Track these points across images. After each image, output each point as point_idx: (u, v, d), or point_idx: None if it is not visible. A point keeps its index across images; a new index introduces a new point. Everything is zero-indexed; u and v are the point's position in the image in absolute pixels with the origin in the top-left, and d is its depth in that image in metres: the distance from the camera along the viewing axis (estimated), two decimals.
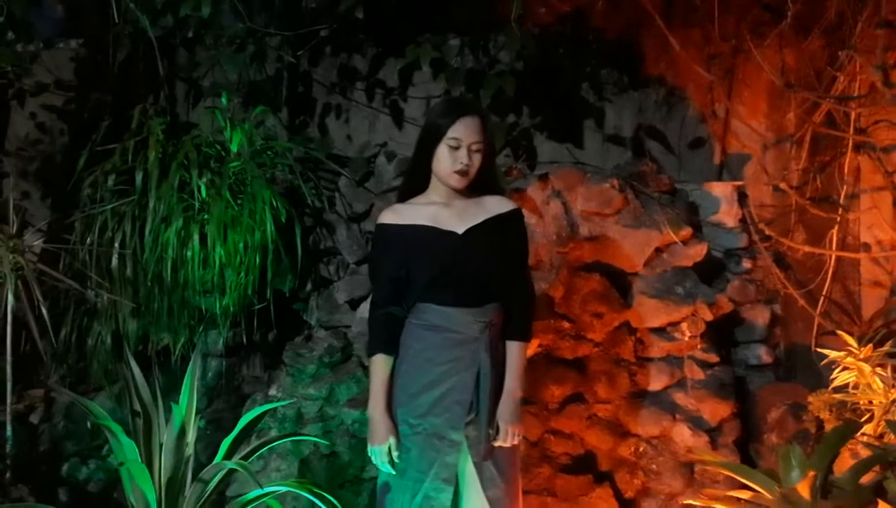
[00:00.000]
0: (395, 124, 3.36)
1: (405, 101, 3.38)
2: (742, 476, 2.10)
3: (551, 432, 2.77)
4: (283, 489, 2.35)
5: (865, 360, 2.03)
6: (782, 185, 3.10)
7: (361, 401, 2.65)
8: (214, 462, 2.33)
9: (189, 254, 2.73)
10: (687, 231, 2.91)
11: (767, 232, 3.10)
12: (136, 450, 2.25)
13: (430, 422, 1.92)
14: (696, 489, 2.67)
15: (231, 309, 2.81)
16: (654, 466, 2.75)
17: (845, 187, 3.02)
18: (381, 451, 1.96)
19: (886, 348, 2.00)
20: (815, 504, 1.82)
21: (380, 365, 1.98)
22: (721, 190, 3.15)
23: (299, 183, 2.95)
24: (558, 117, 3.44)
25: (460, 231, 1.95)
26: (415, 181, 2.03)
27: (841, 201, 3.02)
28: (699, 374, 2.82)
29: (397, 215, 2.00)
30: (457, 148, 1.89)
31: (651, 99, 3.39)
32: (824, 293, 3.04)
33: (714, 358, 2.86)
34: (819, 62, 3.09)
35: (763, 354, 3.06)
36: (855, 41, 2.93)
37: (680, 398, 2.79)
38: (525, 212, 2.70)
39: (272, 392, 2.89)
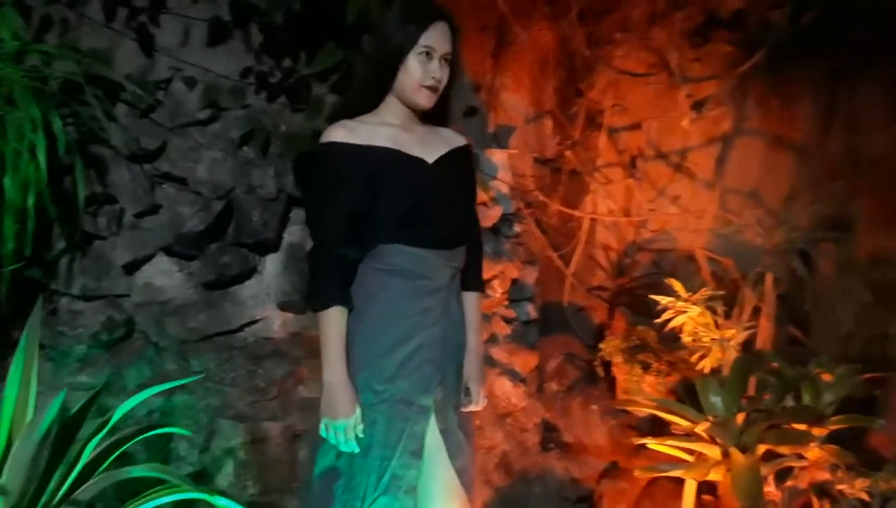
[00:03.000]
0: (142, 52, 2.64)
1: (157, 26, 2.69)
2: (673, 410, 2.27)
3: None
4: None
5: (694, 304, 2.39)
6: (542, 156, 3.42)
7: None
8: None
9: None
10: (492, 192, 3.00)
11: (529, 198, 3.39)
12: None
13: (397, 387, 1.61)
14: (511, 440, 2.79)
15: None
16: (477, 421, 2.78)
17: (591, 163, 3.47)
18: (346, 426, 1.58)
19: (704, 293, 2.38)
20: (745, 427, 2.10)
21: (337, 319, 1.59)
22: (498, 157, 3.32)
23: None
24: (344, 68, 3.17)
25: (430, 160, 1.65)
26: (365, 99, 1.65)
27: (588, 175, 3.47)
28: (506, 329, 2.94)
29: (352, 133, 1.58)
30: (429, 58, 1.57)
31: None
32: (576, 256, 3.45)
33: (512, 313, 3.02)
34: (575, 45, 3.47)
35: (531, 311, 3.33)
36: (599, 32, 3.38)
37: (495, 352, 2.88)
38: None
39: None
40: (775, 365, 2.32)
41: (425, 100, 1.60)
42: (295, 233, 2.51)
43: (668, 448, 2.32)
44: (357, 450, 1.61)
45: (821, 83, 3.80)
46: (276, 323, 2.51)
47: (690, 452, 2.33)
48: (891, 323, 3.47)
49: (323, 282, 1.61)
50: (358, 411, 1.59)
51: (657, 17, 3.45)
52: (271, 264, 2.50)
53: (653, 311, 3.63)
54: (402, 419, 1.62)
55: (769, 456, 2.22)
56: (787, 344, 3.12)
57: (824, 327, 3.45)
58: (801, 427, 2.10)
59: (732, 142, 3.75)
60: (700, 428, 2.20)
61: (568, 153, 3.44)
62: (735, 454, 2.13)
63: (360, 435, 1.60)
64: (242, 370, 2.38)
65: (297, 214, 2.52)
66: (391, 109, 1.63)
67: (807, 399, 2.25)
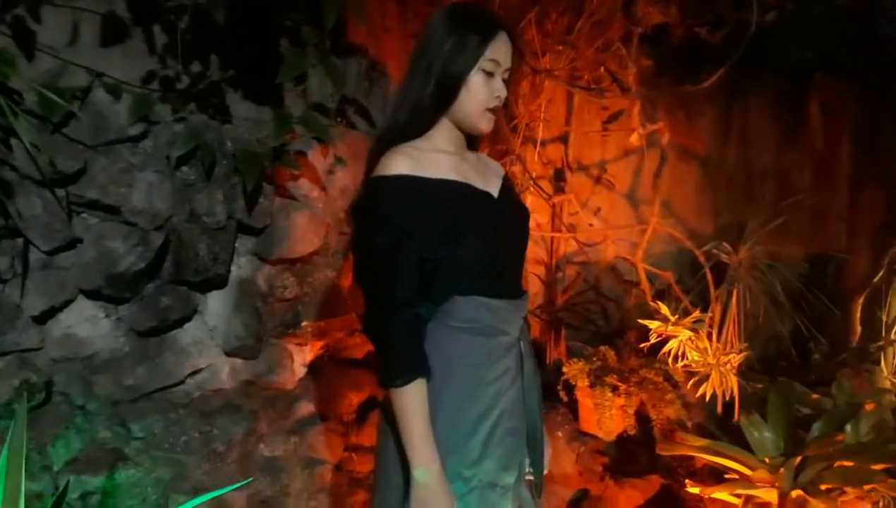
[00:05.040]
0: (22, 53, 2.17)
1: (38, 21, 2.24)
2: (724, 451, 2.09)
3: (352, 449, 2.32)
4: None
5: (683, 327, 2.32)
6: None
7: (91, 461, 1.73)
8: None
9: None
10: None
11: None
12: None
13: (484, 469, 1.32)
14: None
15: None
16: None
17: (528, 176, 3.38)
18: None
19: (694, 316, 2.33)
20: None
21: (421, 393, 1.27)
22: None
23: None
24: (257, 75, 2.84)
25: (495, 194, 1.40)
26: (418, 122, 1.35)
27: (525, 189, 3.37)
28: None
29: (417, 164, 1.29)
30: (492, 76, 1.32)
31: (353, 69, 3.12)
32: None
33: None
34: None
35: None
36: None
37: None
38: (305, 183, 2.22)
39: None
40: (816, 396, 2.30)
41: (486, 124, 1.36)
42: (244, 266, 2.18)
43: (730, 497, 2.13)
44: None
45: (718, 97, 3.96)
46: (224, 371, 2.16)
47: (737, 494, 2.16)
48: (778, 321, 3.68)
49: (402, 352, 1.27)
50: None
51: (576, 31, 3.41)
52: (216, 303, 2.15)
53: (598, 328, 3.64)
54: (489, 505, 1.33)
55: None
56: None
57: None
58: (871, 465, 1.96)
59: (646, 154, 3.80)
60: (758, 474, 2.04)
61: (514, 168, 3.32)
62: (799, 497, 1.98)
63: None
64: (194, 431, 2.01)
65: (246, 243, 2.18)
66: (444, 134, 1.36)
67: (852, 431, 2.16)
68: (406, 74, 1.37)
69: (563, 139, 3.68)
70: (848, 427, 2.08)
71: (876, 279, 3.19)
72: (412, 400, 1.25)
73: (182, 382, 2.08)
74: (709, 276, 2.96)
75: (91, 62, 2.00)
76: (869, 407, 2.16)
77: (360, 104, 3.09)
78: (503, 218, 1.39)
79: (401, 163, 1.28)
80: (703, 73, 3.73)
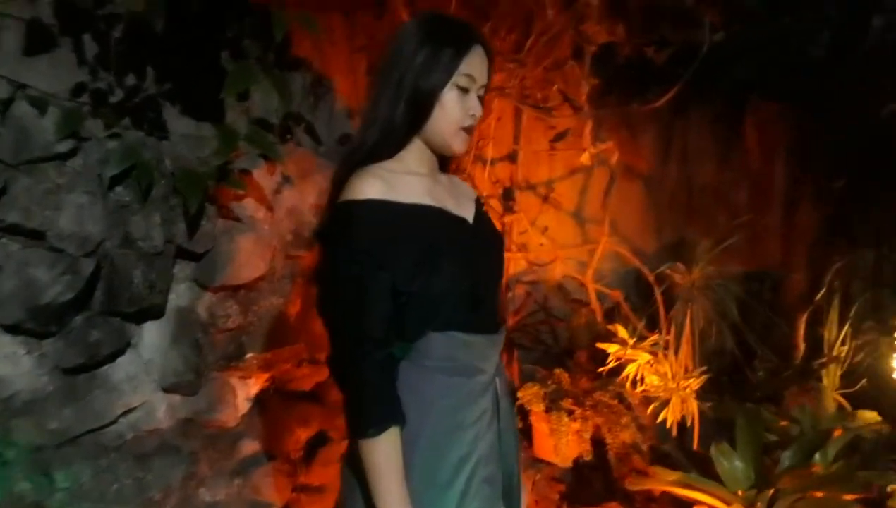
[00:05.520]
0: None
1: None
2: (696, 485, 2.01)
3: (301, 489, 2.18)
4: None
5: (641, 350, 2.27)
6: None
7: None
8: None
9: None
10: None
11: None
12: None
13: None
14: None
15: None
16: None
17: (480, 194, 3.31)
18: None
19: (653, 339, 2.29)
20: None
21: (395, 443, 1.14)
22: None
23: None
24: (195, 88, 2.68)
25: (470, 219, 1.31)
26: (389, 141, 1.24)
27: None
28: None
29: (390, 187, 1.18)
30: (466, 93, 1.22)
31: (298, 84, 2.99)
32: None
33: None
34: None
35: None
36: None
37: None
38: (250, 203, 2.10)
39: None
40: (784, 423, 2.27)
41: (460, 144, 1.26)
42: (183, 294, 2.02)
43: None
44: None
45: (660, 116, 4.00)
46: (160, 408, 2.00)
47: None
48: (727, 338, 3.73)
49: (374, 397, 1.15)
50: None
51: (526, 49, 3.38)
52: (152, 335, 1.98)
53: (548, 347, 3.58)
54: None
55: None
56: None
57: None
58: (844, 495, 1.93)
59: (592, 173, 3.80)
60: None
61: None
62: None
63: None
64: (127, 478, 1.84)
65: (185, 270, 2.03)
66: (416, 155, 1.26)
67: (820, 459, 2.12)
68: (373, 89, 1.25)
69: (512, 157, 3.63)
70: (817, 456, 2.07)
71: (818, 297, 3.25)
72: (385, 451, 1.13)
73: (114, 423, 1.90)
74: (659, 297, 2.95)
75: (13, 72, 1.82)
76: (837, 433, 2.16)
77: (306, 120, 2.97)
78: (479, 245, 1.30)
79: (372, 185, 1.17)
80: (647, 92, 3.78)
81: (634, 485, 2.19)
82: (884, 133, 3.61)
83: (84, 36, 2.19)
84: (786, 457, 2.07)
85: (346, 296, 1.15)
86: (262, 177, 2.19)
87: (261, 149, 2.05)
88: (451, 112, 1.22)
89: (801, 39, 4.15)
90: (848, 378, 3.11)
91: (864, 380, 3.08)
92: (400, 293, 1.16)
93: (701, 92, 3.96)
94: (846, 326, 3.11)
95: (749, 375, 3.37)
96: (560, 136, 3.76)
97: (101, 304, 1.86)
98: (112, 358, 1.91)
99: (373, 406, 1.14)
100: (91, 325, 1.84)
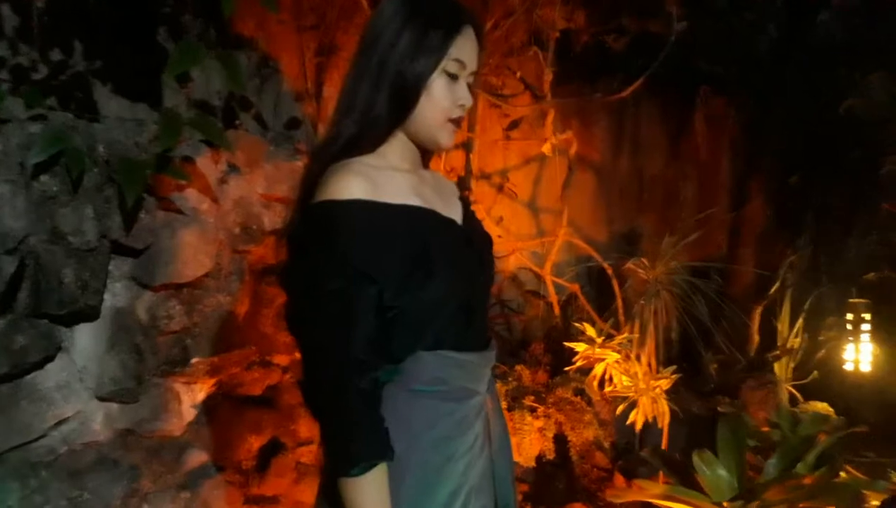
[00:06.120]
0: None
1: None
2: (682, 497, 1.92)
3: (253, 501, 2.03)
4: None
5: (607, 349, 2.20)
6: None
7: None
8: None
9: None
10: None
11: None
12: None
13: None
14: None
15: None
16: None
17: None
18: None
19: (622, 337, 2.22)
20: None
21: (381, 480, 1.00)
22: None
23: None
24: (129, 67, 2.48)
25: (459, 219, 1.16)
26: (370, 135, 1.08)
27: None
28: None
29: (374, 186, 1.02)
30: (455, 79, 1.08)
31: (243, 64, 2.80)
32: None
33: None
34: None
35: None
36: None
37: None
38: (193, 194, 1.94)
39: None
40: (766, 429, 2.22)
41: (447, 138, 1.11)
42: (121, 293, 1.84)
43: None
44: None
45: (612, 106, 3.96)
46: (96, 419, 1.82)
47: None
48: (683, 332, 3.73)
49: (359, 430, 0.99)
50: None
51: (483, 35, 3.28)
52: (85, 339, 1.80)
53: (502, 340, 3.49)
54: None
55: None
56: None
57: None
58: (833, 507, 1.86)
59: (546, 163, 3.74)
60: None
61: None
62: None
63: None
64: (60, 498, 1.66)
65: (122, 267, 1.85)
66: (398, 149, 1.11)
67: (802, 466, 2.04)
68: (350, 72, 1.10)
69: (466, 146, 3.52)
70: (799, 463, 2.04)
71: (772, 290, 3.26)
72: (371, 491, 0.98)
73: (43, 436, 1.72)
74: (617, 292, 2.90)
75: None
76: (822, 438, 2.13)
77: (251, 103, 2.80)
78: (471, 250, 1.15)
79: (356, 184, 1.01)
80: (602, 82, 3.73)
81: (616, 497, 2.10)
82: (832, 130, 3.65)
83: (1, 6, 1.99)
84: (771, 466, 2.02)
85: (326, 313, 0.99)
86: (206, 165, 2.02)
87: (206, 136, 1.87)
88: (439, 101, 1.07)
89: (751, 32, 4.17)
90: (800, 370, 3.14)
91: (815, 372, 3.11)
92: (387, 308, 1.00)
93: (654, 83, 3.94)
94: (799, 319, 3.13)
95: (702, 367, 3.38)
96: (514, 124, 3.68)
97: (26, 306, 1.67)
98: (40, 364, 1.72)
99: (358, 441, 0.98)
100: (15, 330, 1.65)
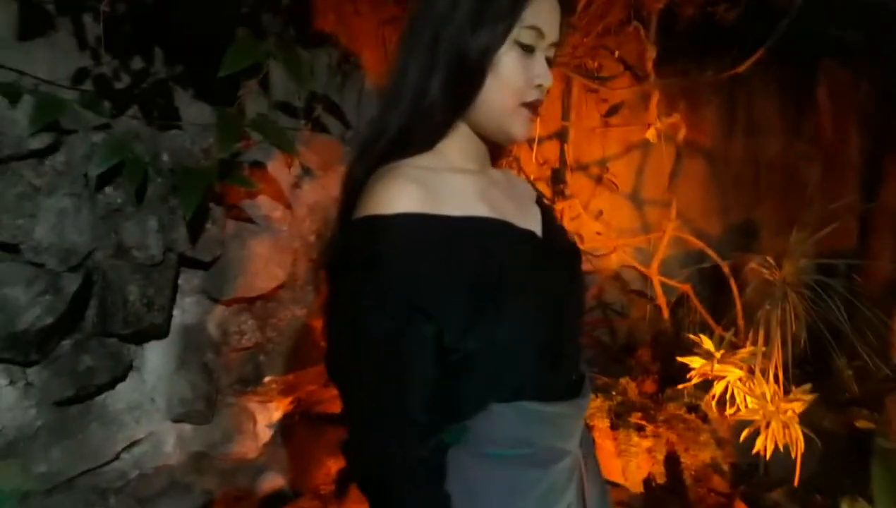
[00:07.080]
0: None
1: None
2: None
3: None
4: None
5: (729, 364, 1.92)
6: None
7: None
8: None
9: None
10: None
11: None
12: None
13: None
14: None
15: None
16: None
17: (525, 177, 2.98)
18: None
19: (746, 350, 1.94)
20: None
21: None
22: None
23: None
24: (209, 71, 2.40)
25: (538, 231, 0.93)
26: (424, 128, 0.86)
27: None
28: None
29: (430, 195, 0.80)
30: (530, 53, 0.85)
31: (323, 62, 2.68)
32: None
33: None
34: None
35: None
36: None
37: None
38: (265, 201, 1.80)
39: None
40: None
41: (522, 127, 0.87)
42: (190, 309, 1.74)
43: None
44: None
45: (721, 85, 3.59)
46: (168, 441, 1.73)
47: None
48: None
49: (418, 504, 0.79)
50: None
51: (578, 12, 3.01)
52: (156, 357, 1.71)
53: (604, 344, 3.25)
54: None
55: None
56: None
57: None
58: None
59: (650, 150, 3.44)
60: None
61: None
62: None
63: None
64: None
65: (191, 281, 1.75)
66: (460, 144, 0.89)
67: None
68: (398, 55, 0.89)
69: (560, 135, 3.28)
70: None
71: None
72: None
73: (114, 460, 1.65)
74: (736, 295, 2.58)
75: (7, 58, 1.57)
76: None
77: (332, 102, 2.67)
78: (555, 269, 0.92)
79: (407, 193, 0.79)
80: (709, 58, 3.38)
81: None
82: None
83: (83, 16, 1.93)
84: None
85: (371, 363, 0.78)
86: (278, 170, 1.89)
87: (268, 138, 1.74)
88: (510, 81, 0.84)
89: None
90: None
91: None
92: (450, 351, 0.79)
93: (769, 57, 3.56)
94: None
95: (834, 375, 2.99)
96: (614, 110, 3.40)
97: (93, 326, 1.59)
98: (110, 385, 1.65)
99: None
100: (81, 350, 1.58)
